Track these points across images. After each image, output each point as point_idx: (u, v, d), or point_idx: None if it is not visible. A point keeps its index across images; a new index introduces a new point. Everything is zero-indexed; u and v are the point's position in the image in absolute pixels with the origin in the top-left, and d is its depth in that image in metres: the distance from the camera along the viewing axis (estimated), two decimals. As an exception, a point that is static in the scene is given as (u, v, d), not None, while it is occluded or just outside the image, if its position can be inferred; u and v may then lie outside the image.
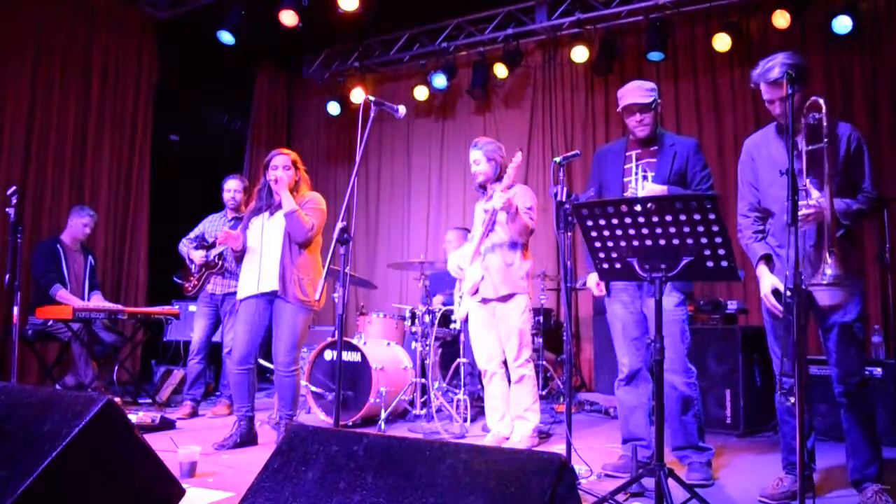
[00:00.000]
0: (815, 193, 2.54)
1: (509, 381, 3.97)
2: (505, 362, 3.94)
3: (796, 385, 2.78)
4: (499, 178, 3.87)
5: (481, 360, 3.99)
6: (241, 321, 3.82)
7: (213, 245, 4.94)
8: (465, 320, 4.09)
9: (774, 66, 2.65)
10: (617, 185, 3.26)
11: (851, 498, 2.78)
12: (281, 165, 3.80)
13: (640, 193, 3.11)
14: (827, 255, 2.42)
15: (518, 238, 3.84)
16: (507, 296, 3.84)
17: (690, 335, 3.17)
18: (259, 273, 3.77)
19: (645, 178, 3.17)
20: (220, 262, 4.93)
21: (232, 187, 5.11)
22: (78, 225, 5.20)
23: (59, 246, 5.11)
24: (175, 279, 5.18)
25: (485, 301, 3.91)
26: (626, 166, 3.26)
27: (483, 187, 3.98)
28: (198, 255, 4.95)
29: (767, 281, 2.79)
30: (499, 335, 3.91)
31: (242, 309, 3.82)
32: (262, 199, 3.88)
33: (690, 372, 3.12)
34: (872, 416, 2.75)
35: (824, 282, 2.44)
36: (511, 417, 3.89)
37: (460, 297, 4.07)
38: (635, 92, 3.21)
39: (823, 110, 2.52)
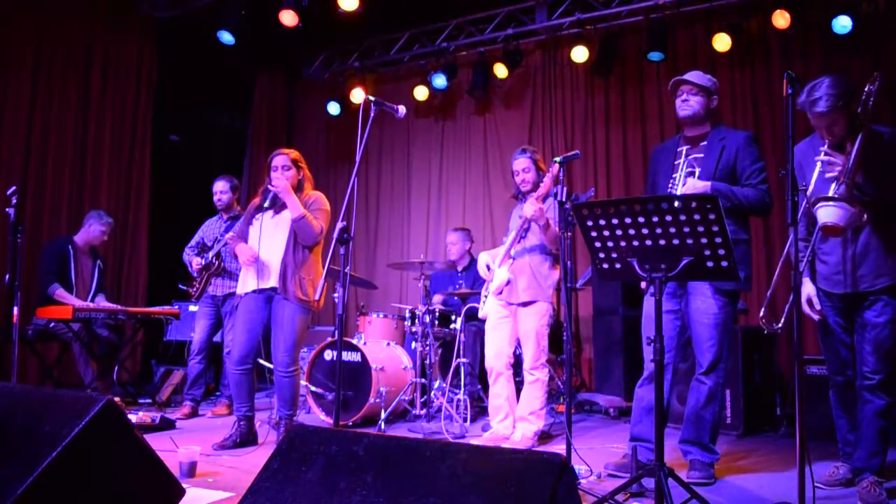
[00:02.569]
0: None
1: (516, 383, 4.01)
2: (513, 364, 3.97)
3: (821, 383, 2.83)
4: (536, 188, 3.87)
5: (489, 358, 3.99)
6: (239, 319, 3.82)
7: (211, 248, 4.99)
8: (466, 321, 4.08)
9: (820, 97, 2.69)
10: (666, 182, 3.21)
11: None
12: (280, 166, 3.79)
13: (681, 190, 3.07)
14: (840, 184, 2.49)
15: (550, 246, 3.84)
16: (530, 302, 3.85)
17: (727, 336, 3.11)
18: (260, 270, 3.77)
19: (691, 174, 3.10)
20: (218, 262, 4.97)
21: (218, 189, 5.12)
22: (96, 232, 5.19)
23: (70, 247, 5.10)
24: (181, 287, 5.25)
25: (508, 304, 3.93)
26: (675, 162, 3.21)
27: (523, 195, 3.94)
28: (196, 261, 5.01)
29: (804, 290, 2.92)
30: (512, 335, 3.93)
31: (241, 306, 3.82)
32: (267, 197, 3.87)
33: (722, 373, 3.12)
34: (887, 413, 2.81)
35: (830, 194, 2.48)
36: (515, 418, 3.90)
37: (485, 296, 4.08)
38: (691, 74, 3.23)
39: (876, 84, 2.70)
